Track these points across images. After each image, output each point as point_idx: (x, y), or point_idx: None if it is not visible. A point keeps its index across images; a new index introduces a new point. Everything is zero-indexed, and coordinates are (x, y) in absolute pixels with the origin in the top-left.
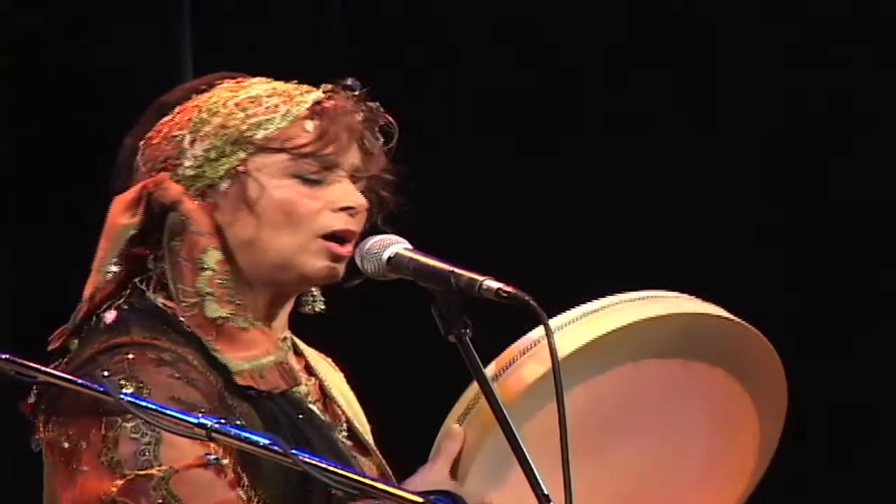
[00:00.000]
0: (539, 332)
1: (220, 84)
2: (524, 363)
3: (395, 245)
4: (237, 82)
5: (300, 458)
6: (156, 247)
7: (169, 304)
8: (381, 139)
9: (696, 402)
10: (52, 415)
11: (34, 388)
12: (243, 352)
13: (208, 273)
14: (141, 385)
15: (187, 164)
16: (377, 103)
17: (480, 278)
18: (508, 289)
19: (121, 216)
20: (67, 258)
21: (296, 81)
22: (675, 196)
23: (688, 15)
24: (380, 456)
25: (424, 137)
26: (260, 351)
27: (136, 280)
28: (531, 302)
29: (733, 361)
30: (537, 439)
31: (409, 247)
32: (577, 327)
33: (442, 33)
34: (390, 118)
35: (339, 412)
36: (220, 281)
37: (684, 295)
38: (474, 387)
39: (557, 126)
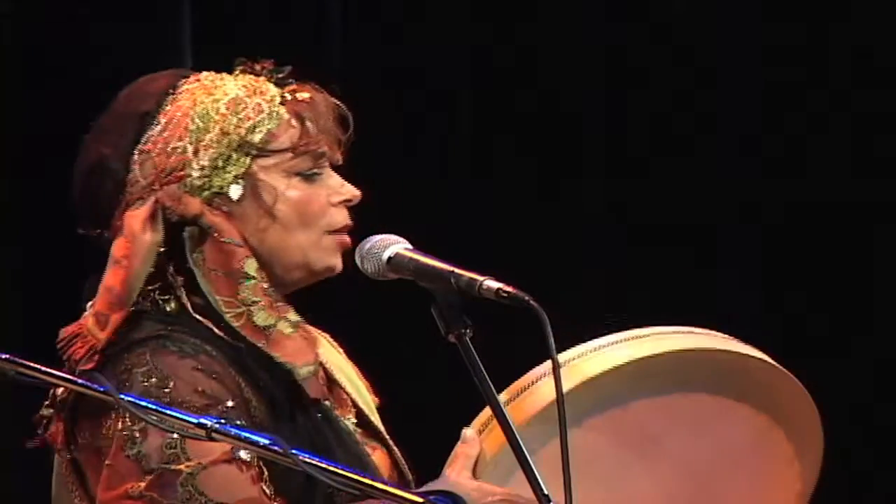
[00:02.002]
0: (572, 352)
1: (183, 84)
2: (542, 386)
3: (395, 245)
4: (197, 80)
5: (300, 457)
6: (169, 257)
7: (191, 312)
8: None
9: (732, 442)
10: (83, 420)
11: (47, 401)
12: (297, 358)
13: (252, 282)
14: (165, 377)
15: (195, 174)
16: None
17: (480, 278)
18: (508, 289)
19: (143, 233)
20: (68, 258)
21: (238, 69)
22: (674, 199)
23: (682, 19)
24: (390, 441)
25: (424, 138)
26: (310, 356)
27: (151, 289)
28: (531, 302)
29: (775, 408)
30: (556, 461)
31: (410, 247)
32: (615, 349)
33: (442, 34)
34: (345, 108)
35: (345, 397)
36: (264, 288)
37: (718, 333)
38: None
39: (557, 131)
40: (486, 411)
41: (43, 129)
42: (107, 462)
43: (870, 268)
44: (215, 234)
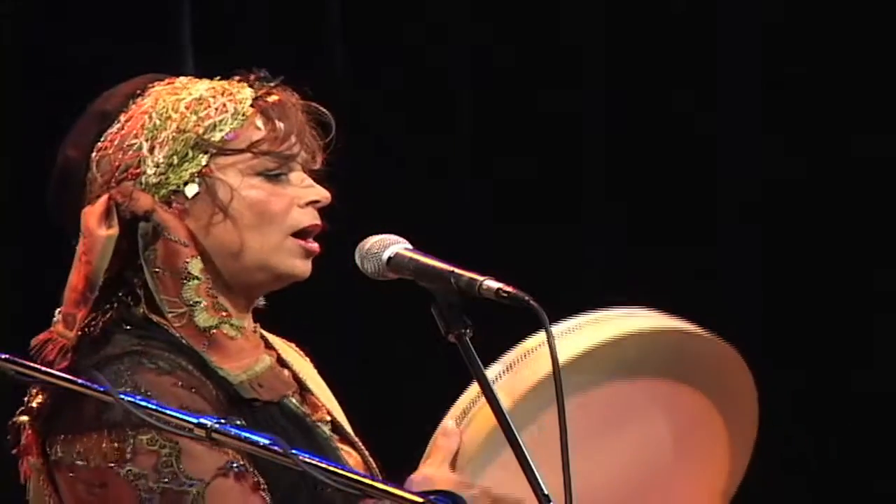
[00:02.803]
0: (535, 339)
1: (153, 87)
2: (521, 369)
3: (395, 245)
4: (169, 83)
5: (300, 458)
6: (127, 258)
7: (155, 316)
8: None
9: (664, 417)
10: (55, 434)
11: (23, 408)
12: (235, 361)
13: (195, 282)
14: (147, 396)
15: (150, 171)
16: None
17: (480, 278)
18: (508, 289)
19: (98, 229)
20: (68, 258)
21: (236, 78)
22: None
23: (682, 19)
24: (362, 447)
25: (423, 138)
26: (251, 359)
27: (121, 294)
28: (531, 302)
29: (716, 387)
30: (534, 444)
31: (409, 246)
32: (567, 337)
33: (441, 33)
34: (325, 110)
35: (319, 403)
36: (207, 289)
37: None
38: (474, 388)
39: (557, 131)
40: (462, 400)
41: (43, 130)
42: (98, 482)
43: (870, 268)
44: (163, 232)
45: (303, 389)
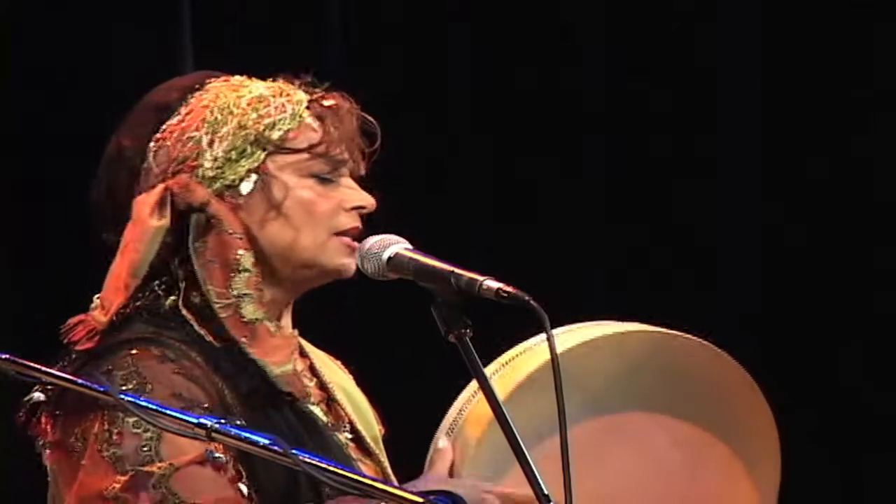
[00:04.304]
0: (533, 339)
1: (210, 82)
2: (519, 363)
3: (395, 245)
4: (226, 80)
5: (300, 457)
6: (176, 249)
7: (184, 310)
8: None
9: (670, 444)
10: (58, 416)
11: (39, 393)
12: (271, 356)
13: (245, 275)
14: (144, 381)
15: (207, 164)
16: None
17: (481, 278)
18: (508, 289)
19: (150, 218)
20: (67, 259)
21: (273, 77)
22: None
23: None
24: (383, 461)
25: (424, 138)
26: (283, 357)
27: (155, 284)
28: (531, 302)
29: (713, 412)
30: (532, 445)
31: (410, 247)
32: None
33: (442, 33)
34: (372, 119)
35: (343, 414)
36: (257, 282)
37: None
38: (458, 401)
39: (557, 131)
40: (449, 415)
41: (42, 130)
42: (82, 462)
43: (870, 268)
44: (218, 224)
45: (330, 399)
